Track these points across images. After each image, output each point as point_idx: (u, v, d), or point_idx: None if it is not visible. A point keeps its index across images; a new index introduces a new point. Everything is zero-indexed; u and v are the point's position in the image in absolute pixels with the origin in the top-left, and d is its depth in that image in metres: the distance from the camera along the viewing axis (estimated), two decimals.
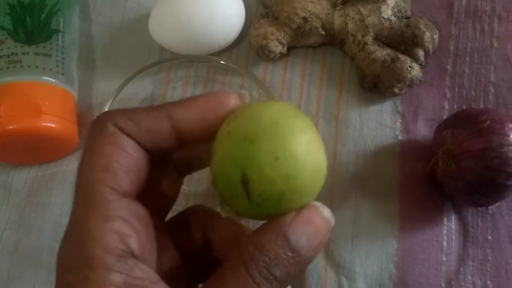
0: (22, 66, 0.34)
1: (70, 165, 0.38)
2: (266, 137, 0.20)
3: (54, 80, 0.35)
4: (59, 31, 0.37)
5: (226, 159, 0.20)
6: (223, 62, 0.37)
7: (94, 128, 0.21)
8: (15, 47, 0.35)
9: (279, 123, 0.20)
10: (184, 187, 0.37)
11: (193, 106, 0.21)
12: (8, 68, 0.34)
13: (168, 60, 0.37)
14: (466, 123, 0.34)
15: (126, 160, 0.20)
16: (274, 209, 0.20)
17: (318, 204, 0.22)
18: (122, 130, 0.21)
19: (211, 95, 0.22)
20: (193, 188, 0.37)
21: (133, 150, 0.21)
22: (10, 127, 0.33)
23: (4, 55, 0.35)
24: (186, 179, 0.37)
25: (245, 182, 0.20)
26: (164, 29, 0.39)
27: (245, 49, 0.41)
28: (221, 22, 0.38)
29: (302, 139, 0.20)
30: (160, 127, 0.21)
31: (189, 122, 0.21)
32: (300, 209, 0.21)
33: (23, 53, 0.35)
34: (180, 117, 0.21)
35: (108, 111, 0.22)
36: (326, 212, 0.22)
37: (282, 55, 0.40)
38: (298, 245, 0.20)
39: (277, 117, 0.20)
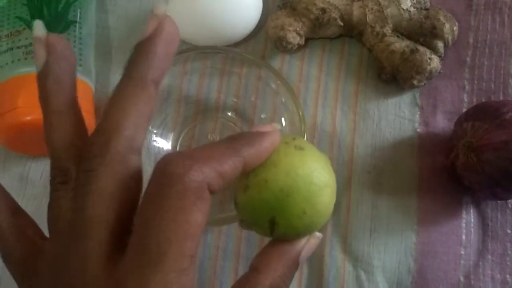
0: None
1: None
2: (299, 194, 0.23)
3: None
4: (76, 22, 0.36)
5: (259, 200, 0.23)
6: (240, 53, 0.37)
7: (189, 190, 0.19)
8: None
9: (312, 183, 0.23)
10: None
11: (262, 149, 0.22)
12: (26, 58, 0.34)
13: (185, 51, 0.36)
14: (487, 115, 0.34)
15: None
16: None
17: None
18: (212, 192, 0.21)
19: (268, 136, 0.23)
20: None
21: None
22: (28, 118, 0.33)
23: (21, 46, 0.34)
24: None
25: (272, 223, 0.24)
26: (181, 20, 0.38)
27: (262, 41, 0.41)
28: (238, 13, 0.38)
29: (326, 193, 0.24)
30: (236, 173, 0.21)
31: (255, 163, 0.22)
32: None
33: None
34: (251, 161, 0.22)
35: (195, 158, 0.20)
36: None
37: (299, 47, 0.39)
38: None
39: (310, 175, 0.23)
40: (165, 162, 0.20)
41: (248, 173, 0.23)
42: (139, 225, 0.19)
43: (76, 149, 0.22)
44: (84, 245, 0.20)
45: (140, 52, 0.22)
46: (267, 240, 0.36)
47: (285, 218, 0.24)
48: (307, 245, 0.25)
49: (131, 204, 0.21)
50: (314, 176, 0.23)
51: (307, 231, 0.25)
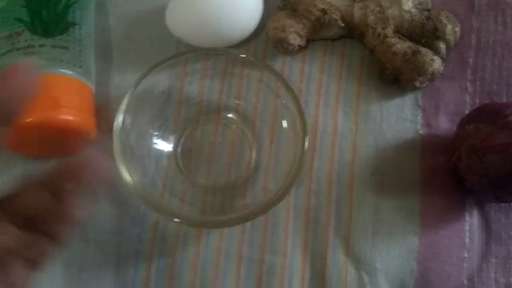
0: (40, 59, 0.34)
1: None
2: None
3: (71, 72, 0.35)
4: (75, 23, 0.36)
5: None
6: (241, 55, 0.36)
7: None
8: (32, 39, 0.34)
9: None
10: (202, 181, 0.37)
11: None
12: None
13: (186, 53, 0.36)
14: (489, 117, 0.34)
15: None
16: None
17: None
18: None
19: None
20: (212, 182, 0.37)
21: None
22: (29, 120, 0.33)
23: (21, 47, 0.34)
24: (204, 174, 0.37)
25: None
26: (181, 21, 0.38)
27: (263, 42, 0.41)
28: (238, 14, 0.38)
29: None
30: None
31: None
32: None
33: (40, 45, 0.34)
34: None
35: None
36: None
37: (300, 48, 0.39)
38: None
39: None
40: None
41: None
42: None
43: None
44: None
45: None
46: (270, 242, 0.36)
47: None
48: None
49: None
50: None
51: None
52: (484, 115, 0.34)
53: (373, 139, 0.38)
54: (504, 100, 0.39)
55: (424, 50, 0.37)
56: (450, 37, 0.38)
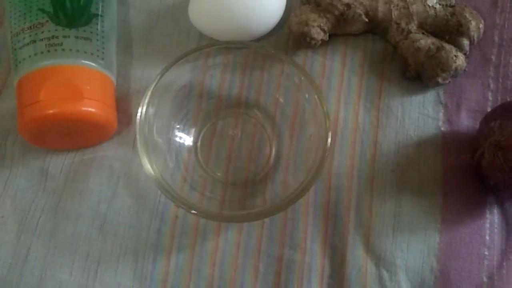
0: (63, 50, 0.34)
1: (108, 151, 0.37)
2: None
3: (94, 64, 0.35)
4: (98, 15, 0.36)
5: None
6: (263, 48, 0.36)
7: None
8: (56, 30, 0.34)
9: None
10: (221, 175, 0.37)
11: None
12: (49, 51, 0.34)
13: (208, 46, 0.36)
14: None
15: None
16: None
17: None
18: None
19: None
20: (231, 177, 0.37)
21: None
22: (50, 111, 0.33)
23: (44, 38, 0.34)
24: (224, 168, 0.37)
25: None
26: (203, 15, 0.38)
27: (284, 36, 0.40)
28: (261, 8, 0.38)
29: None
30: None
31: None
32: None
33: (64, 36, 0.34)
34: None
35: None
36: None
37: (322, 43, 0.39)
38: None
39: None
40: None
41: None
42: None
43: None
44: None
45: None
46: (289, 238, 0.36)
47: None
48: None
49: None
50: None
51: None
52: (509, 112, 0.34)
53: (395, 135, 0.38)
54: None
55: (448, 46, 0.37)
56: (474, 34, 0.38)
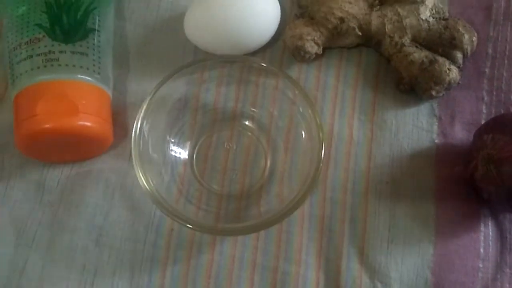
0: (59, 65, 0.34)
1: (104, 164, 0.37)
2: None
3: (90, 79, 0.35)
4: (95, 29, 0.36)
5: None
6: (257, 62, 0.36)
7: None
8: (52, 45, 0.35)
9: None
10: (217, 188, 0.37)
11: None
12: (45, 66, 0.34)
13: (203, 60, 0.36)
14: (508, 127, 0.34)
15: None
16: None
17: None
18: None
19: None
20: (226, 189, 0.37)
21: None
22: (47, 126, 0.33)
23: (41, 53, 0.34)
24: (219, 181, 0.37)
25: None
26: (199, 29, 0.38)
27: (279, 50, 0.41)
28: (256, 22, 0.38)
29: None
30: None
31: None
32: None
33: (60, 52, 0.35)
34: None
35: None
36: None
37: (316, 56, 0.39)
38: None
39: None
40: None
41: None
42: None
43: None
44: None
45: None
46: (284, 250, 0.36)
47: None
48: None
49: None
50: None
51: None
52: (502, 125, 0.34)
53: (389, 147, 0.38)
54: None
55: (441, 59, 0.37)
56: (467, 47, 0.38)
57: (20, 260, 0.35)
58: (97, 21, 0.37)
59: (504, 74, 0.40)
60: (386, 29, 0.38)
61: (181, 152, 0.38)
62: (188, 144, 0.38)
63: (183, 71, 0.35)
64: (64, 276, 0.35)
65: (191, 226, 0.33)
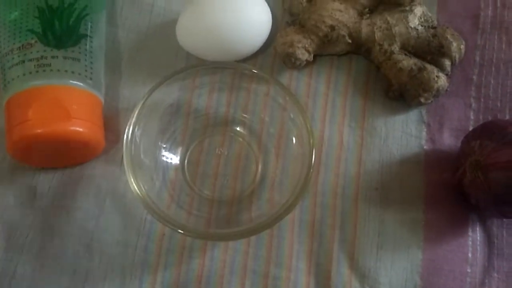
0: (51, 70, 0.34)
1: (95, 170, 0.38)
2: None
3: (82, 84, 0.35)
4: (87, 35, 0.37)
5: None
6: (249, 69, 0.37)
7: None
8: (44, 51, 0.35)
9: None
10: (208, 193, 0.37)
11: None
12: (37, 71, 0.34)
13: (195, 66, 0.37)
14: (494, 134, 0.34)
15: None
16: None
17: None
18: None
19: None
20: (218, 194, 0.37)
21: None
22: (39, 131, 0.33)
23: (33, 59, 0.35)
24: (211, 186, 0.37)
25: None
26: (191, 35, 0.39)
27: (270, 57, 0.41)
28: (247, 29, 0.38)
29: None
30: None
31: None
32: None
33: (52, 57, 0.35)
34: None
35: None
36: None
37: (307, 63, 0.40)
38: None
39: None
40: None
41: None
42: None
43: None
44: None
45: None
46: (275, 255, 0.36)
47: None
48: None
49: None
50: None
51: None
52: (489, 132, 0.35)
53: (378, 153, 0.39)
54: (507, 117, 0.40)
55: (429, 67, 0.38)
56: (455, 54, 0.39)
57: (11, 265, 0.35)
58: (89, 26, 0.37)
59: (492, 82, 0.40)
60: (376, 37, 0.39)
61: (172, 158, 0.38)
62: (179, 149, 0.38)
63: (175, 77, 0.36)
64: (55, 281, 0.35)
65: (182, 231, 0.33)
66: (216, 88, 0.39)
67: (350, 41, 0.39)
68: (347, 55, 0.41)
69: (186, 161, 0.38)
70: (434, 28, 0.39)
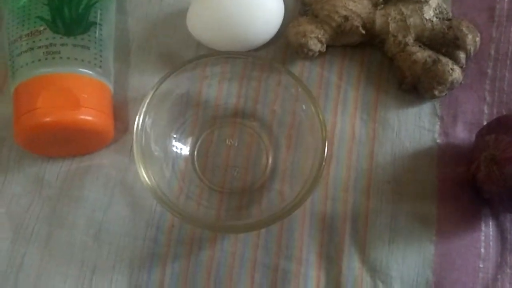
0: (61, 58, 0.34)
1: (104, 159, 0.37)
2: None
3: (91, 72, 0.35)
4: (96, 23, 0.36)
5: None
6: (260, 59, 0.36)
7: None
8: (54, 38, 0.34)
9: None
10: (218, 185, 0.37)
11: None
12: (46, 59, 0.34)
13: (206, 56, 0.36)
14: (510, 128, 0.34)
15: None
16: None
17: None
18: None
19: None
20: (228, 186, 0.37)
21: None
22: (47, 119, 0.33)
23: (42, 46, 0.34)
24: (220, 178, 0.37)
25: None
26: (201, 24, 0.38)
27: (282, 47, 0.40)
28: (259, 19, 0.38)
29: None
30: None
31: None
32: None
33: (62, 44, 0.34)
34: None
35: None
36: None
37: (320, 54, 0.39)
38: None
39: None
40: None
41: None
42: None
43: None
44: None
45: None
46: (285, 248, 0.36)
47: None
48: None
49: None
50: None
51: None
52: (504, 126, 0.34)
53: (391, 146, 0.38)
54: None
55: (444, 59, 0.37)
56: (470, 47, 0.38)
57: (18, 255, 0.35)
58: (98, 14, 0.37)
59: (507, 75, 0.40)
60: (390, 28, 0.38)
61: (182, 148, 0.37)
62: (189, 140, 0.38)
63: (186, 67, 0.35)
64: (63, 272, 0.35)
65: (192, 223, 0.32)
66: (226, 78, 0.38)
67: (363, 32, 0.38)
68: (360, 46, 0.40)
69: (196, 152, 0.38)
70: (449, 20, 0.39)
